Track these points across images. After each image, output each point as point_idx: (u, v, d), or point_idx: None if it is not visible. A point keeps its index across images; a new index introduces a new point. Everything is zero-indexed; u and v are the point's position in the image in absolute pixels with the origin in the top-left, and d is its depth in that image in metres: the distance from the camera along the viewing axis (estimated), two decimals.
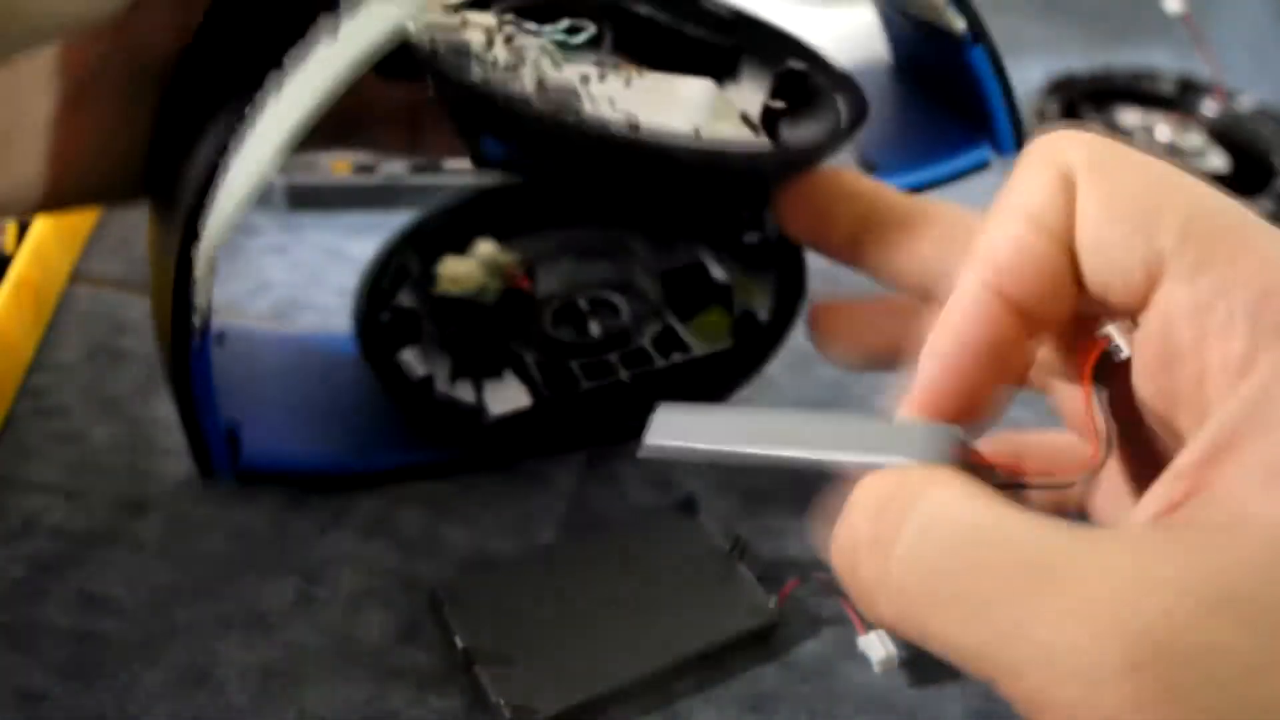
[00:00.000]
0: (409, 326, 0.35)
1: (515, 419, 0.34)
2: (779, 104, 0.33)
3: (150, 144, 0.30)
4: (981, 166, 0.34)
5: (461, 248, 0.36)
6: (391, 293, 0.36)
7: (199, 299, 0.27)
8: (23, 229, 0.39)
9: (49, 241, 0.39)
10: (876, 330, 0.28)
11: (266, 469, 0.33)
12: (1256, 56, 0.64)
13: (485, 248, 0.36)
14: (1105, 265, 0.21)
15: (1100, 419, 0.22)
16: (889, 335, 0.26)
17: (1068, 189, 0.21)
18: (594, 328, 0.36)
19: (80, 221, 0.43)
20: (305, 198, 0.46)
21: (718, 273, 0.37)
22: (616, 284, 0.37)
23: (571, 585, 0.30)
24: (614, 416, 0.34)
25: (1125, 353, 0.22)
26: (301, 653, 0.29)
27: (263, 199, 0.45)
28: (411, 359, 0.34)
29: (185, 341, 0.28)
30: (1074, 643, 0.17)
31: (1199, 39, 0.57)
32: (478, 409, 0.34)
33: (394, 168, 0.47)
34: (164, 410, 0.36)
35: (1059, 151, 0.22)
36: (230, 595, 0.30)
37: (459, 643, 0.28)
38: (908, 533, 0.20)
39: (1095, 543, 0.18)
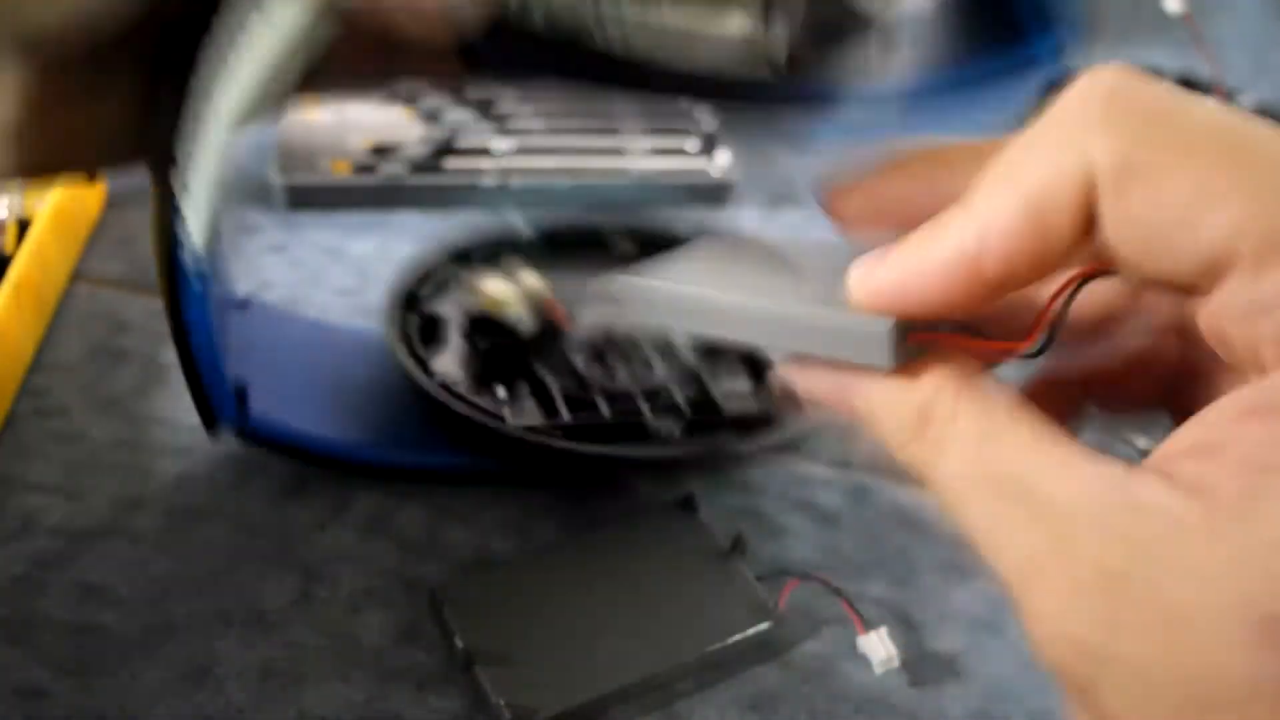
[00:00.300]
0: (436, 333, 0.36)
1: (535, 434, 0.33)
2: None
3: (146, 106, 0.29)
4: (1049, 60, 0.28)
5: (506, 269, 0.38)
6: (426, 298, 0.37)
7: (186, 236, 0.27)
8: (23, 229, 0.39)
9: (49, 242, 0.39)
10: (899, 202, 0.25)
11: (270, 436, 0.33)
12: (1256, 56, 0.64)
13: (526, 275, 0.38)
14: (1145, 266, 0.19)
15: (1059, 310, 0.21)
16: (913, 205, 0.23)
17: (1085, 189, 0.19)
18: (622, 374, 0.35)
19: (80, 222, 0.43)
20: (305, 198, 0.46)
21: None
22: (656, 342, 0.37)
23: (571, 585, 0.30)
24: (631, 448, 0.33)
25: None
26: (301, 652, 0.29)
27: (263, 199, 0.45)
28: (437, 362, 0.35)
29: (176, 284, 0.28)
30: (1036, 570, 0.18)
31: (1199, 39, 0.57)
32: (500, 417, 0.33)
33: (394, 168, 0.47)
34: (164, 409, 0.36)
35: (1087, 136, 0.20)
36: (230, 592, 0.30)
37: (459, 643, 0.28)
38: (950, 457, 0.21)
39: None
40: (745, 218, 0.48)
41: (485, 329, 0.36)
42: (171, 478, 0.34)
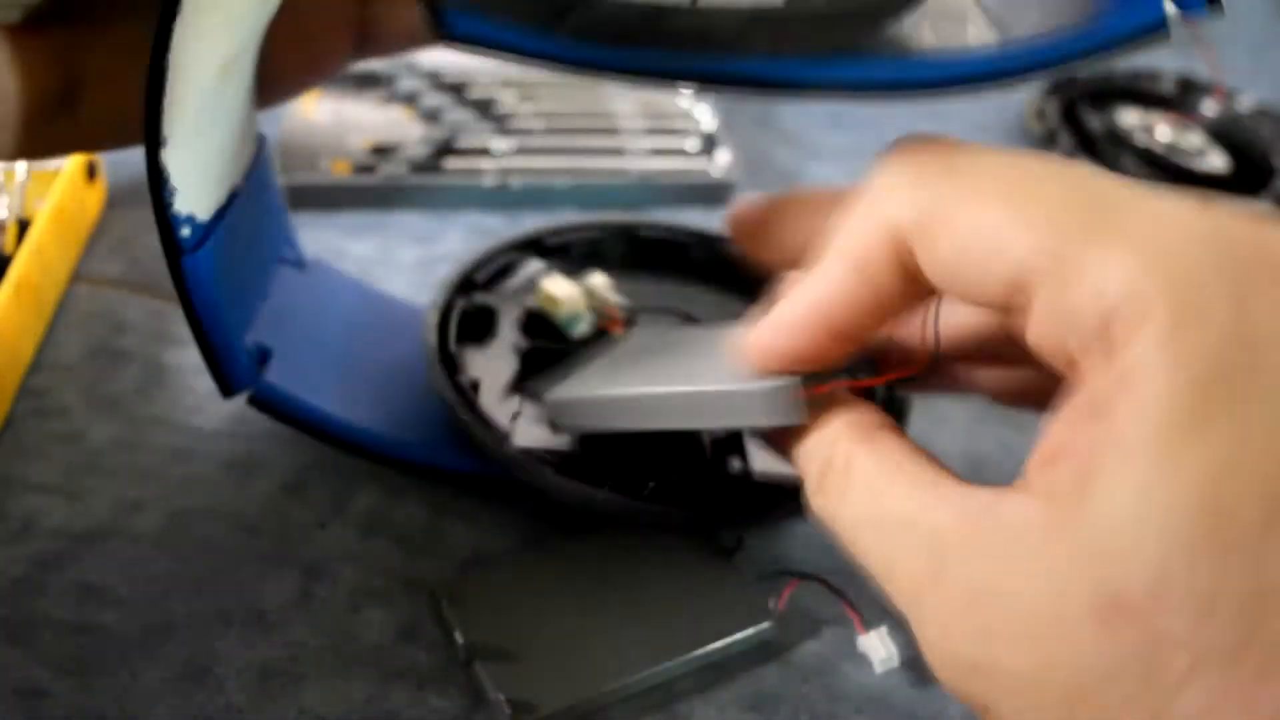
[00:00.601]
0: (480, 325, 0.35)
1: (528, 459, 0.31)
2: None
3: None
4: (1154, 30, 0.26)
5: (576, 271, 0.36)
6: (484, 286, 0.36)
7: (180, 206, 0.27)
8: (23, 229, 0.39)
9: (49, 242, 0.39)
10: (795, 230, 0.28)
11: (279, 407, 0.31)
12: (1256, 56, 0.64)
13: (597, 280, 0.36)
14: (966, 297, 0.22)
15: (932, 329, 0.25)
16: (807, 233, 0.26)
17: (895, 244, 0.22)
18: None
19: (80, 222, 0.43)
20: (305, 198, 0.46)
21: None
22: None
23: (571, 585, 0.30)
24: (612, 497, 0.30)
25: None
26: (301, 651, 0.29)
27: None
28: (471, 356, 0.34)
29: (175, 250, 0.27)
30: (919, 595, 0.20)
31: (1199, 39, 0.57)
32: (503, 434, 0.31)
33: (394, 168, 0.47)
34: (164, 409, 0.36)
35: (893, 198, 0.22)
36: (230, 591, 0.31)
37: (459, 641, 0.28)
38: (846, 508, 0.23)
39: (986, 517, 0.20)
40: None
41: (536, 328, 0.35)
42: (172, 478, 0.34)
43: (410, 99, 0.51)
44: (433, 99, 0.51)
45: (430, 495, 0.34)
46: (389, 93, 0.52)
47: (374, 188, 0.46)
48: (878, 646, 0.30)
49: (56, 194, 0.40)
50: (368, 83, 0.52)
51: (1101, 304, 0.19)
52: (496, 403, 0.32)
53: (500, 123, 0.50)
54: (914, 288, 0.23)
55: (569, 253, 0.38)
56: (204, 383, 0.37)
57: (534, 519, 0.33)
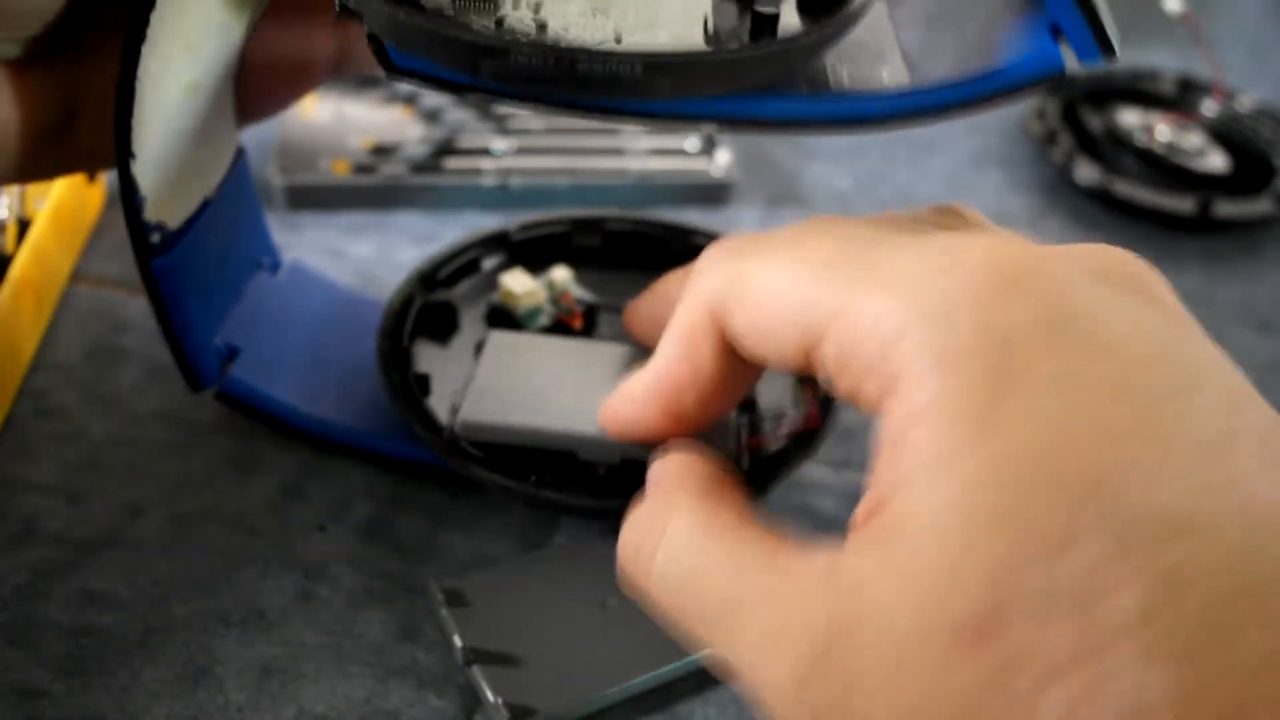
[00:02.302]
0: (443, 320, 0.35)
1: (455, 450, 0.31)
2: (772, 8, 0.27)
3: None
4: (1055, 75, 0.27)
5: (546, 265, 0.37)
6: (446, 282, 0.36)
7: (149, 214, 0.29)
8: (23, 229, 0.39)
9: (49, 242, 0.39)
10: (655, 320, 0.30)
11: (247, 402, 0.33)
12: (1256, 56, 0.64)
13: (559, 274, 0.36)
14: (770, 359, 0.23)
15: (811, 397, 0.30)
16: (656, 323, 0.29)
17: (713, 323, 0.24)
18: None
19: (80, 222, 0.43)
20: (305, 198, 0.46)
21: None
22: None
23: (571, 586, 0.30)
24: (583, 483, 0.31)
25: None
26: (301, 651, 0.29)
27: (262, 199, 0.45)
28: (428, 352, 0.34)
29: (145, 253, 0.30)
30: (758, 666, 0.20)
31: (1199, 39, 0.57)
32: (438, 426, 0.31)
33: (394, 168, 0.47)
34: (164, 408, 0.36)
35: (703, 285, 0.24)
36: (230, 592, 0.31)
37: (458, 642, 0.28)
38: (655, 568, 0.23)
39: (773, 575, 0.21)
40: (745, 218, 0.48)
41: (499, 322, 0.35)
42: (172, 477, 0.34)
43: (410, 99, 0.51)
44: (433, 99, 0.51)
45: (430, 501, 0.34)
46: (389, 93, 0.52)
47: (374, 188, 0.46)
48: None
49: (56, 194, 0.40)
50: (368, 83, 0.52)
51: (876, 342, 0.20)
52: (450, 398, 0.33)
53: (500, 123, 0.50)
54: (738, 362, 0.24)
55: (536, 247, 0.38)
56: None
57: (534, 521, 0.33)
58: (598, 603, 0.30)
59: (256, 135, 0.35)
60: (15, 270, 0.37)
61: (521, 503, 0.32)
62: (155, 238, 0.30)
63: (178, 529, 0.32)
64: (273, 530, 0.32)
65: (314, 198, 0.46)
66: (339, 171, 0.46)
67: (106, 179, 0.45)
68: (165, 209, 0.30)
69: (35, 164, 0.29)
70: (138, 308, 0.40)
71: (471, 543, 0.33)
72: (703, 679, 0.29)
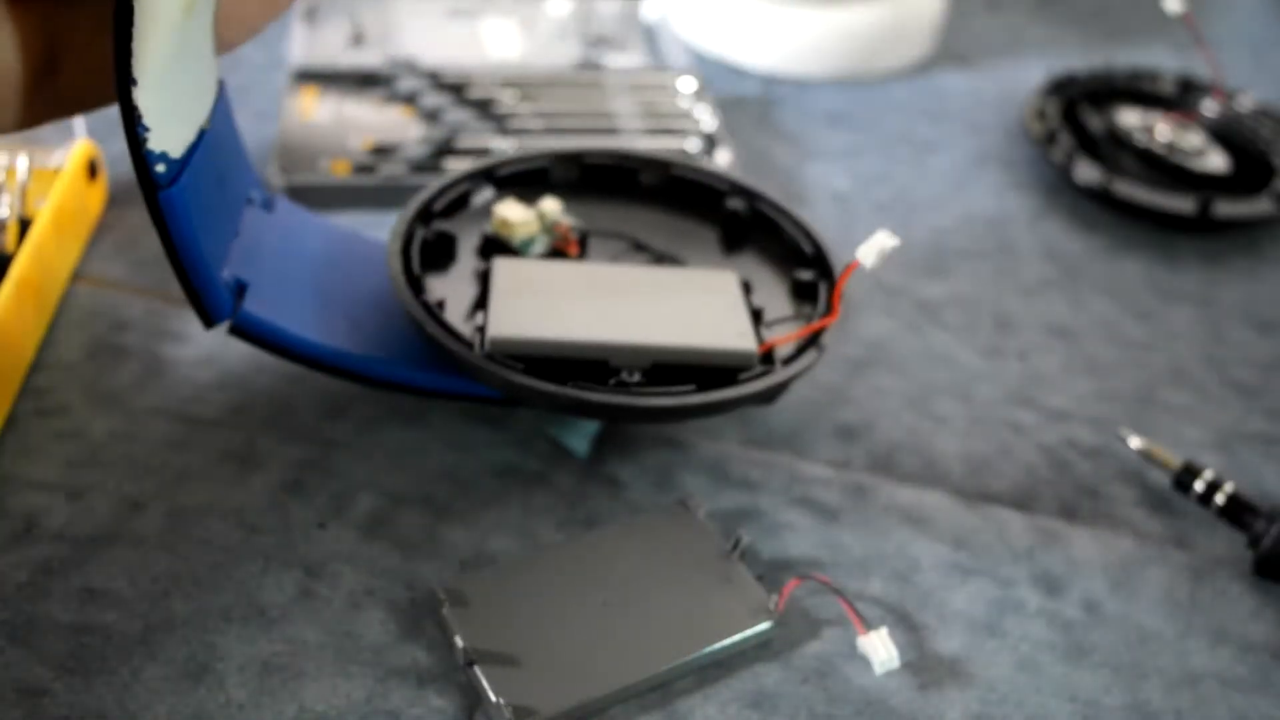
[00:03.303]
0: (442, 251, 0.36)
1: (495, 365, 0.32)
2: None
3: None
4: None
5: (531, 198, 0.38)
6: (441, 215, 0.37)
7: (153, 144, 0.28)
8: (24, 228, 0.39)
9: (50, 241, 0.39)
10: None
11: (260, 334, 0.33)
12: (1256, 56, 0.64)
13: (549, 204, 0.38)
14: None
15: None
16: None
17: None
18: None
19: (81, 221, 0.43)
20: (305, 198, 0.46)
21: (760, 301, 0.36)
22: None
23: (571, 585, 0.30)
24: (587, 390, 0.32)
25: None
26: (302, 649, 0.29)
27: None
28: (433, 282, 0.35)
29: (151, 186, 0.29)
30: None
31: (1199, 39, 0.57)
32: (470, 343, 0.32)
33: (394, 168, 0.47)
34: (163, 400, 0.36)
35: None
36: (230, 589, 0.31)
37: (459, 642, 0.28)
38: None
39: None
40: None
41: (493, 251, 0.37)
42: (172, 473, 0.34)
43: (410, 99, 0.51)
44: (433, 99, 0.51)
45: (429, 498, 0.34)
46: (389, 93, 0.52)
47: (374, 188, 0.46)
48: (878, 647, 0.30)
49: (58, 193, 0.40)
50: (368, 83, 0.52)
51: None
52: (460, 322, 0.34)
53: (500, 123, 0.50)
54: None
55: (521, 181, 0.40)
56: (203, 374, 0.37)
57: (534, 520, 0.33)
58: (598, 602, 0.30)
59: (256, 135, 0.35)
60: (16, 269, 0.37)
61: (562, 408, 0.32)
62: (160, 168, 0.29)
63: (178, 524, 0.32)
64: (273, 527, 0.32)
65: (314, 198, 0.46)
66: (339, 171, 0.46)
67: (109, 178, 0.45)
68: (168, 137, 0.29)
69: (18, 111, 0.29)
70: (139, 306, 0.40)
71: (472, 541, 0.33)
72: (702, 678, 0.29)
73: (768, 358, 0.33)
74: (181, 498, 0.33)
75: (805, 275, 0.37)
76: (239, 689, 0.28)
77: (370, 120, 0.50)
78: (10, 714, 0.27)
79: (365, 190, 0.46)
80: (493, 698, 0.27)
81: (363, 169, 0.47)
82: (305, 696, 0.28)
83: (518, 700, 0.27)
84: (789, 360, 0.33)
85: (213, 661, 0.29)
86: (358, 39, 0.56)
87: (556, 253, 0.37)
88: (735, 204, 0.39)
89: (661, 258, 0.38)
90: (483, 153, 0.48)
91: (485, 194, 0.39)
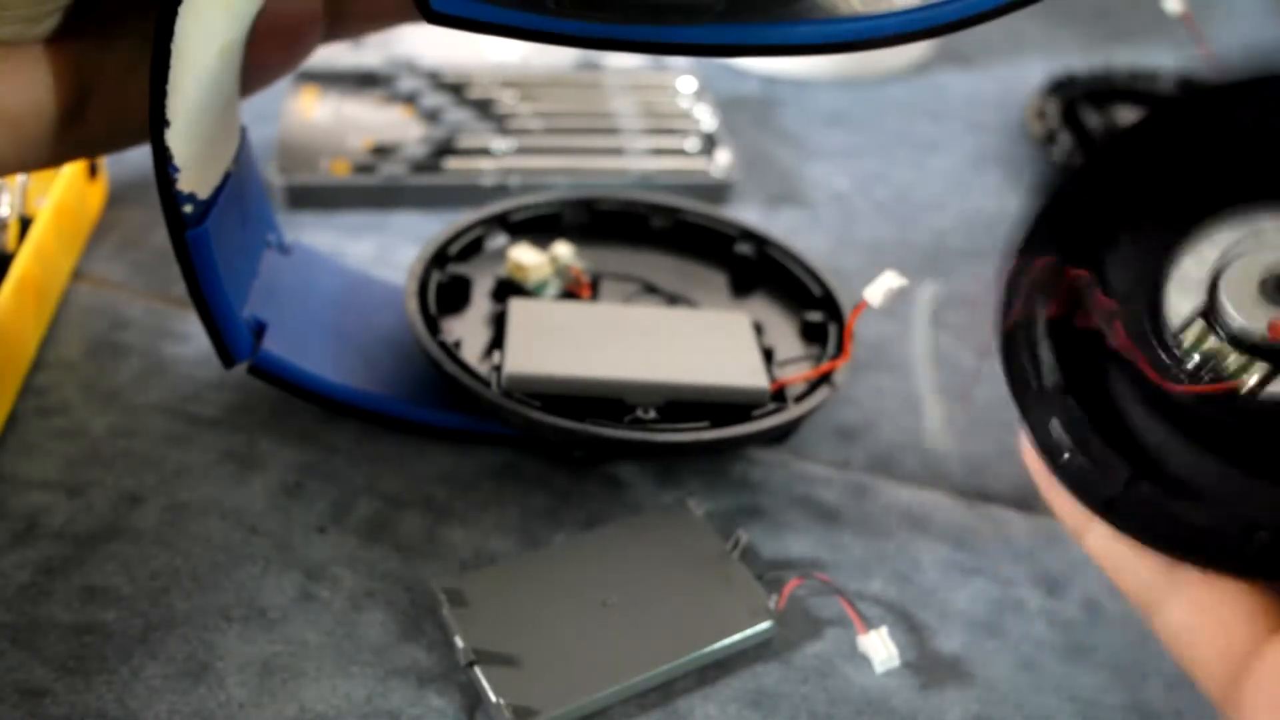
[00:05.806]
0: (457, 294, 0.37)
1: (513, 402, 0.33)
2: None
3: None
4: None
5: (543, 242, 0.39)
6: (456, 259, 0.38)
7: (182, 184, 0.29)
8: (24, 227, 0.39)
9: (51, 240, 0.39)
10: None
11: (280, 374, 0.33)
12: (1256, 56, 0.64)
13: (561, 248, 0.38)
14: None
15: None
16: None
17: None
18: None
19: (82, 220, 0.43)
20: (305, 198, 0.46)
21: (770, 342, 0.37)
22: None
23: (571, 585, 0.30)
24: (604, 427, 0.32)
25: None
26: (302, 649, 0.29)
27: None
28: (448, 324, 0.36)
29: (179, 225, 0.30)
30: None
31: (1199, 39, 0.57)
32: (487, 381, 0.33)
33: (394, 168, 0.47)
34: (163, 397, 0.36)
35: None
36: (231, 588, 0.31)
37: (459, 642, 0.28)
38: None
39: None
40: (745, 218, 0.48)
41: (506, 295, 0.37)
42: (172, 473, 0.34)
43: (410, 99, 0.51)
44: (433, 99, 0.51)
45: (430, 499, 0.34)
46: (389, 93, 0.52)
47: (374, 188, 0.46)
48: (878, 647, 0.30)
49: (58, 192, 0.40)
50: (368, 83, 0.52)
51: None
52: (476, 362, 0.35)
53: (500, 123, 0.50)
54: None
55: (533, 227, 0.40)
56: (203, 373, 0.37)
57: (534, 520, 0.33)
58: (598, 602, 0.30)
59: (256, 135, 0.35)
60: (17, 269, 0.37)
61: (579, 444, 0.33)
62: (188, 208, 0.29)
63: (177, 521, 0.32)
64: (273, 530, 0.32)
65: (314, 198, 0.46)
66: (339, 171, 0.46)
67: (109, 176, 0.45)
68: (197, 179, 0.29)
69: (48, 149, 0.29)
70: (139, 304, 0.40)
71: (471, 542, 0.33)
72: (702, 678, 0.29)
73: (779, 395, 0.34)
74: (181, 495, 0.33)
75: (814, 316, 0.37)
76: (239, 688, 0.28)
77: (370, 120, 0.50)
78: (12, 716, 0.27)
79: (365, 190, 0.46)
80: (493, 698, 0.27)
81: (363, 169, 0.47)
82: (305, 696, 0.28)
83: (518, 700, 0.27)
84: (800, 398, 0.34)
85: (213, 661, 0.29)
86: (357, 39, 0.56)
87: (569, 295, 0.38)
88: (744, 249, 0.40)
89: (673, 300, 0.39)
90: (483, 152, 0.48)
91: (498, 239, 0.40)
